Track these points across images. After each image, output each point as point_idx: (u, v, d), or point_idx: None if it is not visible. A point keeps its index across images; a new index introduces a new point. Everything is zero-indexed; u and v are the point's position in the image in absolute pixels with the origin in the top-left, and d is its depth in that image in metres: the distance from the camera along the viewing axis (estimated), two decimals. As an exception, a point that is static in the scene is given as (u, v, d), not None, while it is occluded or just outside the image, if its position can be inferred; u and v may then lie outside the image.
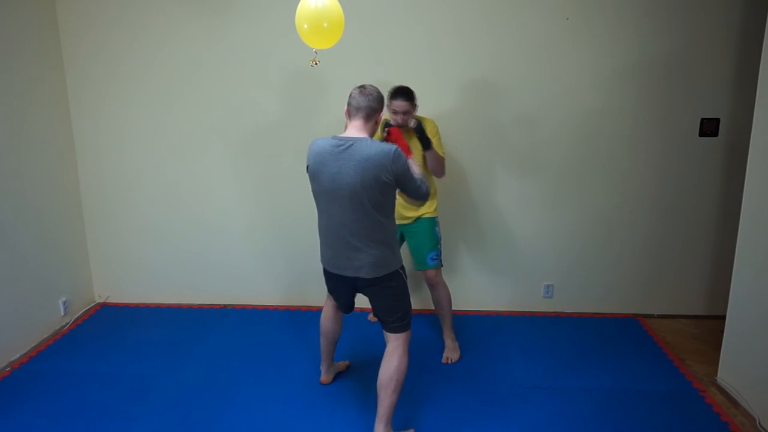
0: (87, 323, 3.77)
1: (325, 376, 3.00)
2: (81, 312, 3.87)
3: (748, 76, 3.29)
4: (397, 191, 2.42)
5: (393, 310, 2.48)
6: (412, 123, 2.95)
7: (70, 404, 2.84)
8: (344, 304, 2.70)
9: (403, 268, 2.51)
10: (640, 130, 3.55)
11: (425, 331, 3.56)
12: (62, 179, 3.73)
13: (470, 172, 3.67)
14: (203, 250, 3.93)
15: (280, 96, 3.65)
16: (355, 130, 2.37)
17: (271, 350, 3.37)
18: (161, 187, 3.84)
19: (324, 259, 2.53)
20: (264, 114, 3.69)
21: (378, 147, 2.28)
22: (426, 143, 2.97)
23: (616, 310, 3.83)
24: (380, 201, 2.32)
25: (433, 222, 3.20)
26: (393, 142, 2.66)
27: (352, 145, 2.29)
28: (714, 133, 3.52)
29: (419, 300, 3.83)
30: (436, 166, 3.06)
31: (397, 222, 3.01)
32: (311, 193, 2.47)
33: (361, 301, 2.71)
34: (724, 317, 3.01)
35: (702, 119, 3.51)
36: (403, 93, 2.93)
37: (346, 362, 3.17)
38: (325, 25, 2.38)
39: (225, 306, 3.99)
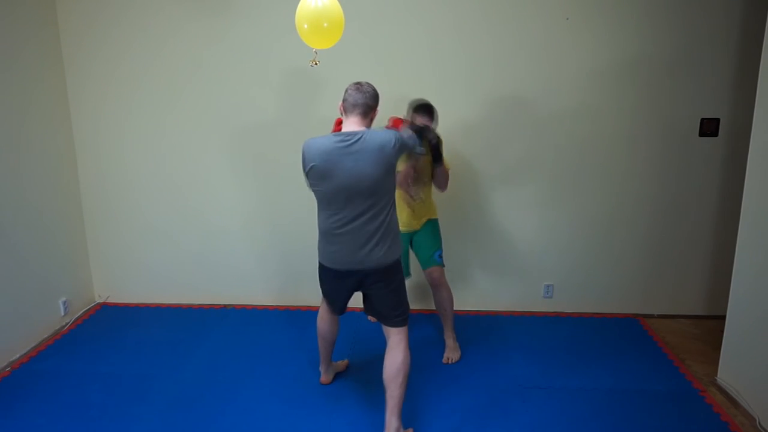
0: (87, 323, 3.77)
1: (324, 377, 3.00)
2: (81, 312, 3.87)
3: (748, 76, 3.29)
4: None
5: (396, 303, 2.50)
6: (430, 137, 2.93)
7: (70, 404, 2.84)
8: (339, 306, 2.70)
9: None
10: (640, 130, 3.55)
11: (426, 331, 3.56)
12: (62, 179, 3.73)
13: (470, 171, 3.66)
14: (203, 250, 3.93)
15: (279, 96, 3.65)
16: (354, 125, 2.38)
17: (270, 350, 3.37)
18: (161, 187, 3.84)
19: (330, 258, 2.49)
20: (264, 114, 3.69)
21: (383, 134, 2.35)
22: (439, 158, 2.98)
23: (616, 310, 3.83)
24: (391, 186, 2.40)
25: (435, 223, 3.27)
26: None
27: (362, 137, 2.31)
28: (714, 133, 3.52)
29: (419, 300, 3.83)
30: (443, 180, 3.08)
31: (406, 230, 3.14)
32: (312, 193, 2.46)
33: (357, 301, 2.70)
34: (724, 317, 3.01)
35: (702, 119, 3.51)
36: (425, 110, 2.98)
37: (346, 361, 3.17)
38: (325, 25, 2.39)
39: (225, 306, 3.99)
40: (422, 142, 2.93)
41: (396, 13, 3.48)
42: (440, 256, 3.23)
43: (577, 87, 3.51)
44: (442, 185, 3.12)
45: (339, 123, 2.57)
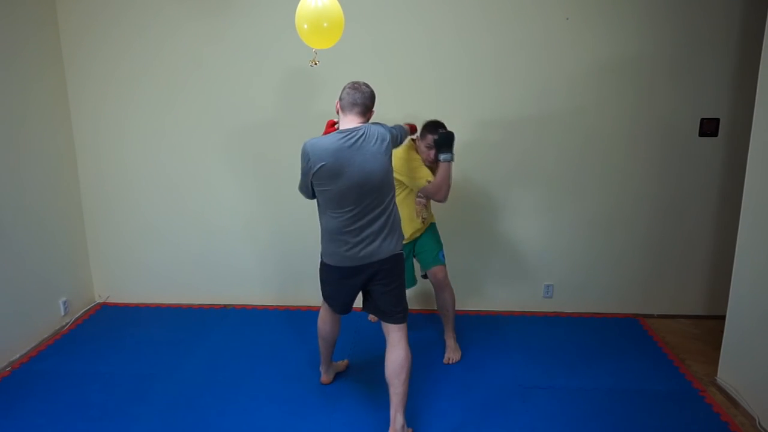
0: (87, 323, 3.77)
1: (325, 377, 3.00)
2: (81, 312, 3.87)
3: (748, 76, 3.29)
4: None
5: (398, 300, 2.53)
6: (442, 158, 2.99)
7: (70, 404, 2.84)
8: (344, 306, 2.69)
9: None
10: (640, 130, 3.55)
11: (426, 331, 3.56)
12: (62, 179, 3.72)
13: (470, 171, 3.66)
14: (203, 250, 3.93)
15: (279, 95, 3.65)
16: (353, 124, 2.39)
17: (270, 350, 3.37)
18: (161, 187, 3.84)
19: (340, 256, 2.45)
20: (263, 113, 3.69)
21: (378, 128, 2.43)
22: (450, 154, 2.99)
23: (616, 310, 3.83)
24: (393, 177, 2.48)
25: (434, 226, 3.35)
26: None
27: (365, 132, 2.36)
28: (714, 133, 3.52)
29: (420, 300, 3.83)
30: (445, 183, 3.00)
31: (410, 241, 3.18)
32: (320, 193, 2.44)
33: (357, 301, 2.70)
34: (724, 317, 3.01)
35: (702, 119, 3.51)
36: (438, 129, 3.01)
37: (346, 361, 3.17)
38: (325, 25, 2.39)
39: (225, 306, 3.99)
40: (452, 149, 2.96)
41: (396, 13, 3.48)
42: (443, 256, 3.26)
43: (577, 87, 3.51)
44: (442, 189, 3.07)
45: (332, 124, 2.57)
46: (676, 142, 3.55)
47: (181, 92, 3.68)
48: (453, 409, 2.78)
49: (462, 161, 3.62)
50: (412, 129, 3.09)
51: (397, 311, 2.51)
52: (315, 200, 2.51)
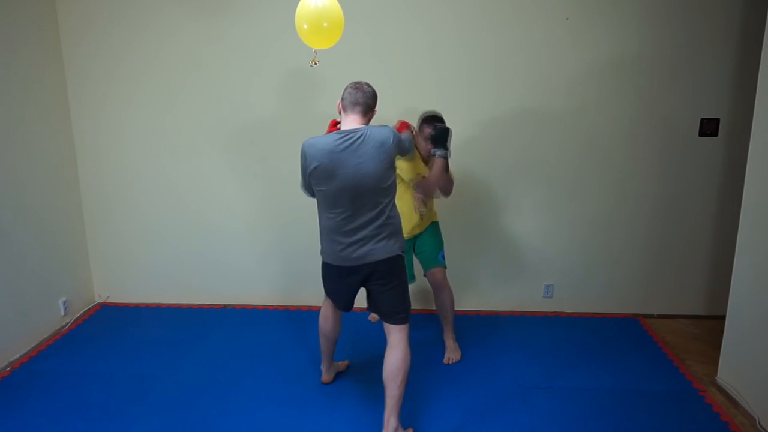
0: (87, 323, 3.77)
1: (325, 376, 3.00)
2: (81, 312, 3.87)
3: (748, 76, 3.29)
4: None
5: (398, 301, 2.50)
6: (440, 154, 2.96)
7: (70, 404, 2.84)
8: (345, 303, 2.70)
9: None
10: (640, 130, 3.55)
11: (426, 331, 3.56)
12: (62, 179, 3.72)
13: (470, 171, 3.66)
14: (203, 250, 3.93)
15: (279, 95, 3.65)
16: (354, 124, 2.39)
17: (270, 350, 3.37)
18: (161, 187, 3.84)
19: (336, 255, 2.47)
20: (264, 113, 3.69)
21: (382, 131, 2.37)
22: (447, 168, 3.00)
23: (616, 310, 3.83)
24: (393, 182, 2.42)
25: (436, 225, 3.32)
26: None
27: (363, 135, 2.32)
28: (714, 133, 3.52)
29: (420, 300, 3.83)
30: (448, 188, 3.11)
31: (410, 237, 3.16)
32: (316, 192, 2.46)
33: (361, 301, 2.70)
34: (724, 317, 3.01)
35: (702, 119, 3.51)
36: (438, 122, 2.99)
37: (346, 362, 3.17)
38: (325, 25, 2.39)
39: (225, 306, 3.99)
40: (448, 144, 2.96)
41: (396, 13, 3.48)
42: (443, 257, 3.25)
43: (576, 87, 3.51)
44: (448, 191, 3.16)
45: (334, 124, 2.57)
46: (676, 142, 3.55)
47: (181, 92, 3.68)
48: (453, 410, 2.78)
49: (462, 161, 3.62)
50: (404, 126, 3.00)
51: (396, 312, 2.50)
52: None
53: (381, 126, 2.41)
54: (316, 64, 2.51)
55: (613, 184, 3.64)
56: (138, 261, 3.98)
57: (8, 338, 3.24)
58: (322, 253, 2.56)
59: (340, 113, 2.46)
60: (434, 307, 3.37)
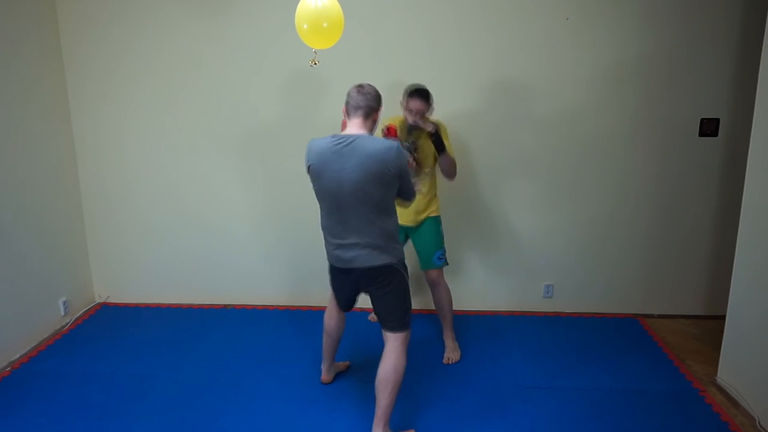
0: (87, 323, 3.77)
1: (325, 376, 3.00)
2: (81, 312, 3.87)
3: (748, 76, 3.29)
4: None
5: (392, 308, 2.47)
6: (430, 128, 2.95)
7: (70, 404, 2.84)
8: (344, 302, 2.71)
9: (405, 266, 2.50)
10: (640, 130, 3.55)
11: (425, 331, 3.56)
12: (62, 179, 3.72)
13: (470, 171, 3.66)
14: (203, 250, 3.93)
15: (280, 95, 3.65)
16: (355, 128, 2.38)
17: (270, 350, 3.37)
18: (161, 186, 3.84)
19: (329, 254, 2.53)
20: (264, 113, 3.69)
21: (380, 143, 2.31)
22: (440, 147, 2.99)
23: (616, 310, 3.83)
24: (382, 196, 2.33)
25: (437, 221, 3.23)
26: (393, 138, 2.67)
27: (353, 141, 2.30)
28: (714, 133, 3.52)
29: (419, 300, 3.83)
30: (449, 168, 3.09)
31: (403, 224, 3.06)
32: (313, 192, 2.46)
33: (362, 301, 2.71)
34: (724, 317, 3.01)
35: (702, 119, 3.51)
36: (420, 93, 2.95)
37: (347, 362, 3.17)
38: (325, 25, 2.39)
39: (225, 306, 3.99)
40: (412, 138, 2.94)
41: (396, 13, 3.48)
42: (440, 258, 3.21)
43: (576, 87, 3.51)
44: (450, 174, 3.11)
45: (389, 131, 2.60)
46: (676, 142, 3.55)
47: (181, 92, 3.68)
48: (453, 410, 2.78)
49: (462, 161, 3.62)
50: (393, 132, 2.87)
51: (389, 319, 2.49)
52: None
53: (385, 143, 2.32)
54: (315, 64, 2.51)
55: (613, 183, 3.64)
56: (138, 261, 3.98)
57: (8, 338, 3.24)
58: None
59: (345, 116, 2.46)
60: (434, 307, 3.36)
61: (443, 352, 3.26)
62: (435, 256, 3.19)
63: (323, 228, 2.50)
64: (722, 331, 3.01)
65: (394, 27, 3.50)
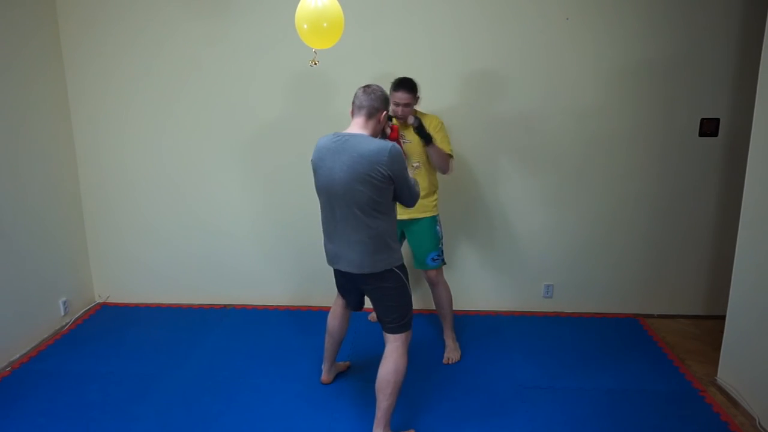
0: (87, 323, 3.77)
1: (326, 376, 3.00)
2: (81, 312, 3.87)
3: (748, 76, 3.29)
4: None
5: (389, 310, 2.46)
6: (411, 120, 2.94)
7: (70, 404, 2.84)
8: (352, 301, 2.72)
9: (402, 267, 2.48)
10: (640, 130, 3.55)
11: (425, 331, 3.56)
12: (62, 179, 3.72)
13: (470, 171, 3.67)
14: (203, 250, 3.93)
15: (280, 95, 3.65)
16: (357, 127, 2.38)
17: (271, 350, 3.37)
18: (161, 186, 3.84)
19: (326, 253, 2.53)
20: (264, 113, 3.69)
21: (374, 143, 2.28)
22: (426, 139, 2.97)
23: (616, 310, 3.83)
24: (374, 198, 2.28)
25: (433, 221, 3.18)
26: (393, 139, 2.65)
27: (348, 140, 2.31)
28: (714, 133, 3.52)
29: (419, 300, 3.83)
30: (440, 162, 3.05)
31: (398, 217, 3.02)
32: (313, 192, 2.47)
33: (365, 301, 2.71)
34: (724, 317, 3.01)
35: (702, 119, 3.51)
36: (405, 85, 2.93)
37: (347, 363, 3.17)
38: (325, 25, 2.39)
39: (225, 306, 3.99)
40: (427, 135, 2.93)
41: (396, 13, 3.48)
42: (434, 259, 3.16)
43: (576, 87, 3.51)
44: (440, 166, 3.07)
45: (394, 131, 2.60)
46: (676, 142, 3.55)
47: (181, 92, 3.68)
48: (453, 410, 2.78)
49: (462, 161, 3.62)
50: (396, 134, 2.81)
51: (387, 321, 2.48)
52: None
53: (382, 141, 2.30)
54: (315, 64, 2.51)
55: (613, 183, 3.64)
56: (138, 261, 3.98)
57: (8, 338, 3.24)
58: None
59: (351, 116, 2.45)
60: (434, 307, 3.36)
61: (443, 352, 3.26)
62: (428, 258, 3.16)
63: (322, 226, 2.51)
64: (722, 331, 3.01)
65: (394, 27, 3.50)
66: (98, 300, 4.06)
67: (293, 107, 3.66)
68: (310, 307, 3.89)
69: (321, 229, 2.52)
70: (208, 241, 3.91)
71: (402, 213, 3.08)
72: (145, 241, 3.94)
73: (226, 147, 3.76)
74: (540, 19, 3.43)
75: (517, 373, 3.11)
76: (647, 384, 3.00)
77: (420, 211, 3.11)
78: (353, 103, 2.41)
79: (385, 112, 2.42)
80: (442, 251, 3.22)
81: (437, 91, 3.54)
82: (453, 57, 3.51)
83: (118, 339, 3.53)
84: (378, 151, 2.25)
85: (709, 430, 2.64)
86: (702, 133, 3.53)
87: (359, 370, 3.13)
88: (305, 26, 2.40)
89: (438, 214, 3.21)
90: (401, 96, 2.91)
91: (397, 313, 2.46)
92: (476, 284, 3.86)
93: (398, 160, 2.28)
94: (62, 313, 3.69)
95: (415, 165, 3.08)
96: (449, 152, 3.08)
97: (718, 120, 3.50)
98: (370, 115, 2.38)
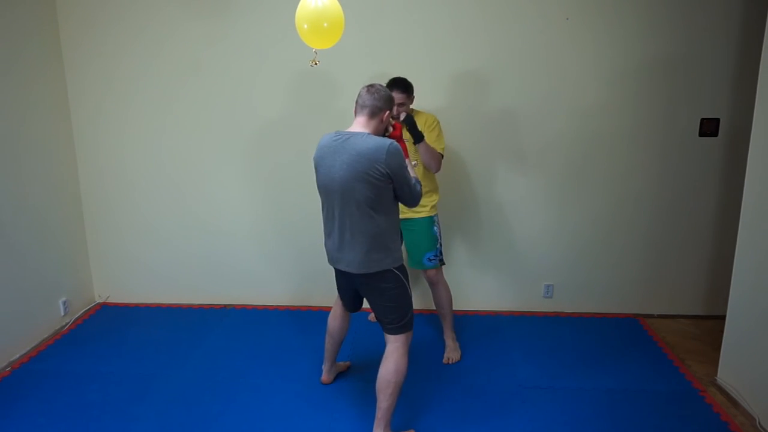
0: (87, 323, 3.77)
1: (326, 376, 3.00)
2: (81, 312, 3.87)
3: (748, 76, 3.29)
4: None
5: (388, 310, 2.45)
6: (402, 116, 2.94)
7: (70, 404, 2.84)
8: (348, 302, 2.71)
9: (402, 268, 2.46)
10: (640, 130, 3.55)
11: (425, 331, 3.56)
12: (62, 179, 3.72)
13: (469, 171, 3.67)
14: (203, 250, 3.93)
15: (280, 95, 3.65)
16: (358, 126, 2.38)
17: (271, 350, 3.37)
18: (161, 186, 3.84)
19: (326, 252, 2.53)
20: (264, 113, 3.69)
21: (373, 141, 2.27)
22: (416, 136, 2.95)
23: (616, 310, 3.83)
24: (372, 197, 2.27)
25: (431, 221, 3.17)
26: (396, 137, 2.64)
27: (348, 139, 2.31)
28: (714, 133, 3.52)
29: (419, 299, 3.83)
30: (429, 160, 3.04)
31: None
32: (313, 191, 2.48)
33: (363, 302, 2.71)
34: (724, 317, 3.01)
35: (702, 119, 3.51)
36: (399, 84, 2.94)
37: (347, 363, 3.17)
38: (325, 25, 2.39)
39: (225, 306, 3.99)
40: (416, 134, 2.92)
41: (396, 13, 3.48)
42: (431, 259, 3.15)
43: (576, 87, 3.51)
44: (432, 165, 3.06)
45: (396, 132, 2.59)
46: (676, 142, 3.55)
47: (181, 92, 3.68)
48: (453, 410, 2.78)
49: (461, 160, 3.62)
50: (398, 132, 2.79)
51: (386, 321, 2.47)
52: None
53: (381, 138, 2.29)
54: (316, 64, 2.51)
55: (613, 183, 3.64)
56: (138, 261, 3.98)
57: (8, 338, 3.24)
58: None
59: (355, 114, 2.45)
60: (435, 307, 3.36)
61: (443, 352, 3.26)
62: (425, 258, 3.15)
63: (323, 222, 2.51)
64: (722, 331, 3.01)
65: (394, 27, 3.49)
66: (98, 300, 4.06)
67: (293, 107, 3.66)
68: (310, 307, 3.89)
69: (321, 229, 2.52)
70: (208, 241, 3.91)
71: (401, 210, 3.07)
72: (145, 241, 3.94)
73: (226, 147, 3.76)
74: (540, 19, 3.43)
75: (517, 373, 3.11)
76: (647, 384, 3.01)
77: (416, 210, 3.11)
78: (356, 102, 2.41)
79: (388, 112, 2.41)
80: (440, 251, 3.21)
81: (437, 90, 3.54)
82: (453, 57, 3.51)
83: (118, 339, 3.53)
84: (376, 149, 2.24)
85: (709, 430, 2.64)
86: (702, 133, 3.53)
87: (359, 371, 3.13)
88: (305, 26, 2.40)
89: (436, 214, 3.20)
90: (395, 96, 2.90)
91: (396, 314, 2.45)
92: (476, 284, 3.86)
93: (397, 158, 2.26)
94: (62, 313, 3.69)
95: (413, 163, 3.08)
96: (441, 151, 3.07)
97: (718, 120, 3.50)
98: (373, 114, 2.37)
